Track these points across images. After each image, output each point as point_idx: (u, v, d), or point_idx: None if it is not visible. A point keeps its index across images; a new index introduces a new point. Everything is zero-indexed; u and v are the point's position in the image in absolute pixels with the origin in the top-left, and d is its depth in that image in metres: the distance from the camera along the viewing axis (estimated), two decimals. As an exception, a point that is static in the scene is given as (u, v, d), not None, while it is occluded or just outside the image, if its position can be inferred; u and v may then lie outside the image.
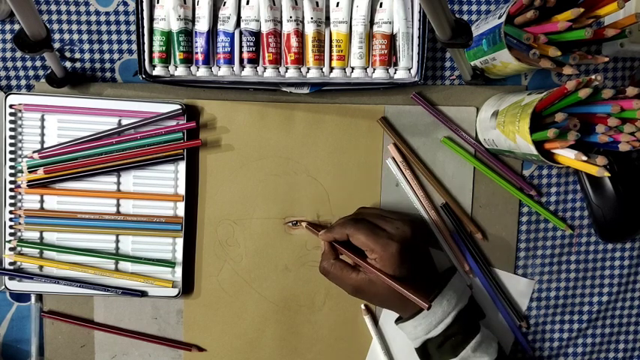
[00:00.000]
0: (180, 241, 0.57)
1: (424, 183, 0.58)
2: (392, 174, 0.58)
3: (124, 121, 0.56)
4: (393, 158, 0.58)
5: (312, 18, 0.53)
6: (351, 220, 0.51)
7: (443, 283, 0.51)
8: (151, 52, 0.53)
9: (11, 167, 0.55)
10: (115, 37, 0.57)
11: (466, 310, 0.51)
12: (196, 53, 0.53)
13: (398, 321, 0.53)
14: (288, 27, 0.53)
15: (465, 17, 0.57)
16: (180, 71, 0.54)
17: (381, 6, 0.53)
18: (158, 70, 0.53)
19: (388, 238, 0.49)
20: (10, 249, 0.56)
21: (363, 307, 0.58)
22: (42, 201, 0.56)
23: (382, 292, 0.49)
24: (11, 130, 0.55)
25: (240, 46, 0.53)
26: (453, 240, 0.58)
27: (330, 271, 0.51)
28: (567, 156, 0.45)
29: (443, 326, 0.50)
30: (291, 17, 0.52)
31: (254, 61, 0.54)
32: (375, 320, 0.58)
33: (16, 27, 0.56)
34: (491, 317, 0.59)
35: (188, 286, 0.58)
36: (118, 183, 0.57)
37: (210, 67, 0.54)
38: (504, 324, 0.59)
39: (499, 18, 0.47)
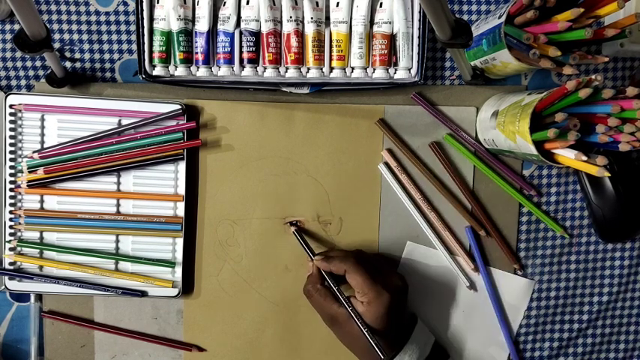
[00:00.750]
0: (180, 241, 0.57)
1: (424, 183, 0.58)
2: (387, 177, 0.58)
3: (124, 121, 0.56)
4: (386, 163, 0.57)
5: (312, 18, 0.53)
6: (352, 258, 0.51)
7: (405, 337, 0.51)
8: (151, 52, 0.53)
9: (11, 167, 0.55)
10: (115, 37, 0.57)
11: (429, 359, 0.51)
12: (196, 53, 0.53)
13: None
14: (288, 27, 0.53)
15: (465, 17, 0.57)
16: (180, 71, 0.54)
17: (381, 6, 0.53)
18: (158, 70, 0.53)
19: (383, 288, 0.49)
20: (10, 249, 0.56)
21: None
22: (42, 201, 0.56)
23: (356, 333, 0.49)
24: (11, 130, 0.55)
25: (240, 46, 0.53)
26: (455, 239, 0.58)
27: (314, 295, 0.52)
28: (567, 156, 0.45)
29: None
30: (291, 17, 0.52)
31: (254, 61, 0.54)
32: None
33: (16, 27, 0.56)
34: (492, 320, 0.59)
35: (188, 286, 0.58)
36: (118, 183, 0.57)
37: (210, 67, 0.54)
38: (501, 334, 0.59)
39: (499, 18, 0.47)
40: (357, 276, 0.49)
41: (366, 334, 0.48)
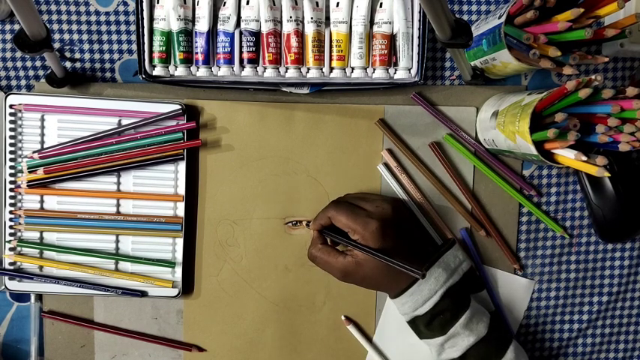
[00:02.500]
0: (180, 241, 0.57)
1: (425, 184, 0.58)
2: (387, 177, 0.58)
3: (124, 121, 0.56)
4: (386, 164, 0.57)
5: (312, 18, 0.53)
6: (332, 203, 0.52)
7: (433, 260, 0.51)
8: (151, 52, 0.53)
9: (11, 167, 0.55)
10: (115, 37, 0.57)
11: (457, 286, 0.51)
12: (196, 53, 0.53)
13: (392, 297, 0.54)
14: (288, 27, 0.53)
15: (465, 17, 0.57)
16: (180, 71, 0.54)
17: (381, 6, 0.53)
18: (158, 70, 0.53)
19: (367, 217, 0.49)
20: (10, 249, 0.56)
21: (343, 317, 0.58)
22: (42, 201, 0.56)
23: (370, 273, 0.50)
24: (11, 130, 0.55)
25: (240, 46, 0.53)
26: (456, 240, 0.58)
27: (317, 256, 0.52)
28: (567, 156, 0.45)
29: (430, 304, 0.50)
30: (291, 17, 0.52)
31: (254, 61, 0.54)
32: (361, 329, 0.59)
33: (16, 27, 0.56)
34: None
35: (188, 286, 0.58)
36: (118, 183, 0.57)
37: (210, 67, 0.54)
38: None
39: (499, 18, 0.47)
40: (340, 217, 0.50)
41: (386, 258, 0.47)
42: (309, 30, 0.53)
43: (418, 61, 0.53)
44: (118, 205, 0.57)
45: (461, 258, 0.54)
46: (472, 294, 0.53)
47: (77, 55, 0.57)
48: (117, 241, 0.57)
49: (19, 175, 0.55)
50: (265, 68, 0.54)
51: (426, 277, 0.50)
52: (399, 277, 0.50)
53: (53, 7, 0.56)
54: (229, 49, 0.53)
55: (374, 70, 0.54)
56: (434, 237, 0.58)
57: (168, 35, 0.53)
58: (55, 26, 0.56)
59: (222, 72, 0.54)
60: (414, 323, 0.52)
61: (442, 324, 0.50)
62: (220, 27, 0.53)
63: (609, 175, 0.43)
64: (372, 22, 0.54)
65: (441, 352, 0.52)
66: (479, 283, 0.56)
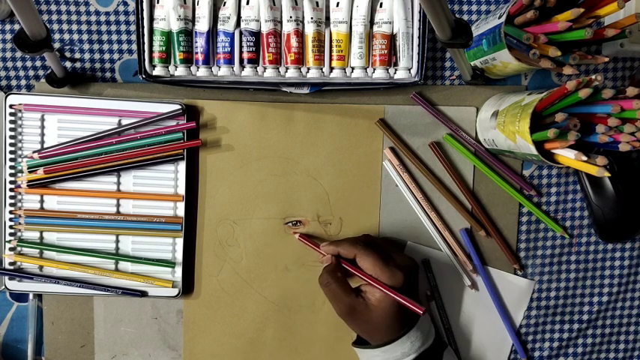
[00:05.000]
0: (180, 241, 0.57)
1: (425, 184, 0.58)
2: (392, 174, 0.58)
3: (124, 121, 0.56)
4: (390, 161, 0.58)
5: (312, 18, 0.53)
6: (361, 242, 0.51)
7: (412, 323, 0.50)
8: (151, 52, 0.53)
9: (11, 167, 0.55)
10: (115, 37, 0.57)
11: (428, 351, 0.50)
12: (196, 53, 0.53)
13: (356, 345, 0.53)
14: (288, 27, 0.53)
15: (465, 17, 0.57)
16: (180, 71, 0.54)
17: (381, 6, 0.53)
18: (158, 70, 0.53)
19: (395, 268, 0.49)
20: (10, 249, 0.56)
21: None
22: (42, 201, 0.56)
23: (375, 319, 0.49)
24: (11, 130, 0.55)
25: (240, 46, 0.53)
26: (455, 240, 0.58)
27: (332, 284, 0.50)
28: (567, 156, 0.45)
29: None
30: (291, 17, 0.52)
31: (254, 61, 0.54)
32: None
33: (16, 27, 0.56)
34: (493, 319, 0.59)
35: (188, 286, 0.58)
36: (118, 183, 0.57)
37: (210, 67, 0.54)
38: (503, 328, 0.59)
39: (499, 18, 0.47)
40: (369, 258, 0.49)
41: (399, 296, 0.48)
42: (309, 30, 0.53)
43: (418, 61, 0.53)
44: (118, 205, 0.57)
45: (429, 321, 0.54)
46: (444, 350, 0.53)
47: (77, 55, 0.57)
48: (117, 241, 0.57)
49: (19, 175, 0.55)
50: (265, 68, 0.54)
51: (403, 340, 0.49)
52: (390, 331, 0.49)
53: (53, 7, 0.56)
54: (229, 49, 0.53)
55: (374, 70, 0.54)
56: (434, 237, 0.58)
57: (168, 35, 0.53)
58: (55, 26, 0.56)
59: (222, 72, 0.54)
60: None
61: None
62: (220, 27, 0.53)
63: (609, 175, 0.43)
64: (372, 22, 0.54)
65: None
66: (443, 344, 0.54)
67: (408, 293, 0.49)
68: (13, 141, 0.55)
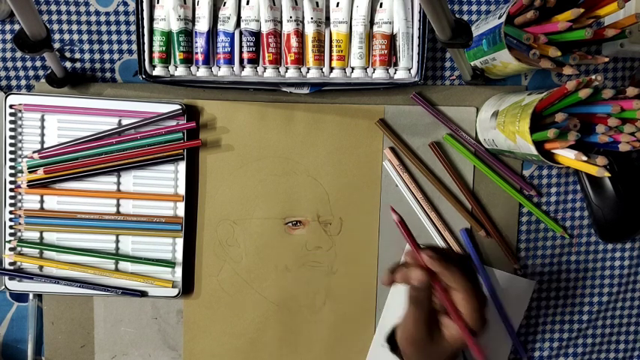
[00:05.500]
0: (180, 241, 0.57)
1: (425, 184, 0.58)
2: (392, 174, 0.58)
3: (124, 121, 0.56)
4: (390, 161, 0.58)
5: (312, 18, 0.53)
6: (466, 277, 0.41)
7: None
8: (151, 52, 0.53)
9: (11, 167, 0.55)
10: (115, 37, 0.57)
11: None
12: (196, 53, 0.53)
13: (392, 351, 0.47)
14: (288, 27, 0.53)
15: (465, 17, 0.57)
16: (180, 71, 0.54)
17: (381, 6, 0.53)
18: (158, 70, 0.53)
19: (486, 318, 0.41)
20: (10, 249, 0.56)
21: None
22: (42, 201, 0.56)
23: (437, 353, 0.42)
24: (11, 130, 0.55)
25: (240, 46, 0.53)
26: (455, 240, 0.58)
27: (425, 306, 0.41)
28: (567, 156, 0.45)
29: None
30: (291, 17, 0.52)
31: (254, 61, 0.54)
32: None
33: (16, 27, 0.56)
34: (493, 319, 0.59)
35: (188, 286, 0.58)
36: (118, 183, 0.57)
37: (210, 67, 0.54)
38: (503, 328, 0.59)
39: (499, 18, 0.47)
40: (471, 301, 0.40)
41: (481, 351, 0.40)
42: (309, 30, 0.53)
43: (418, 61, 0.53)
44: (118, 205, 0.57)
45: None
46: None
47: (77, 55, 0.57)
48: (117, 241, 0.57)
49: (19, 175, 0.55)
50: (265, 68, 0.54)
51: None
52: None
53: (53, 7, 0.56)
54: (229, 49, 0.53)
55: (374, 70, 0.54)
56: (434, 237, 0.58)
57: (168, 35, 0.53)
58: (55, 26, 0.56)
59: (222, 72, 0.54)
60: None
61: None
62: (220, 27, 0.53)
63: (609, 175, 0.43)
64: (372, 22, 0.54)
65: None
66: None
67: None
68: (13, 141, 0.55)
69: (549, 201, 0.59)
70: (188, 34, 0.53)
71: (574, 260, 0.60)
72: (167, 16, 0.52)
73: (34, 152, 0.55)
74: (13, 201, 0.56)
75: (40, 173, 0.55)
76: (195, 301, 0.58)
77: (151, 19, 0.53)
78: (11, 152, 0.55)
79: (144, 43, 0.52)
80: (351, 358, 0.59)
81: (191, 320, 0.59)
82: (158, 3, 0.52)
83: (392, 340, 0.47)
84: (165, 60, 0.53)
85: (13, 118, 0.55)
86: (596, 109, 0.45)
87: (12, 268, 0.56)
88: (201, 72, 0.54)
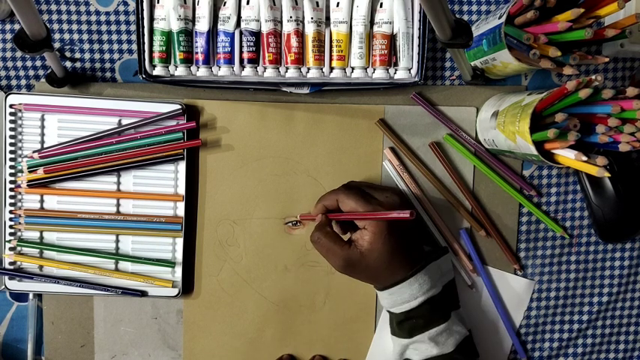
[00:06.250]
0: (180, 241, 0.57)
1: (425, 184, 0.58)
2: (392, 174, 0.58)
3: (124, 121, 0.56)
4: (390, 161, 0.58)
5: (312, 18, 0.53)
6: (341, 187, 0.52)
7: (421, 266, 0.50)
8: (151, 52, 0.53)
9: (11, 167, 0.55)
10: (115, 37, 0.57)
11: (438, 297, 0.51)
12: (196, 53, 0.53)
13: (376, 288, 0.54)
14: (288, 27, 0.53)
15: (465, 17, 0.57)
16: (180, 71, 0.54)
17: (381, 6, 0.53)
18: (158, 70, 0.53)
19: (378, 205, 0.49)
20: (10, 249, 0.56)
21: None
22: (42, 201, 0.56)
23: (372, 264, 0.49)
24: (11, 130, 0.55)
25: (241, 46, 0.53)
26: (455, 240, 0.58)
27: (322, 239, 0.50)
28: (567, 156, 0.45)
29: (406, 307, 0.50)
30: (291, 17, 0.52)
31: (254, 61, 0.54)
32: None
33: (16, 27, 0.56)
34: (492, 319, 0.59)
35: (188, 286, 0.58)
36: (118, 183, 0.57)
37: (210, 67, 0.54)
38: (503, 328, 0.59)
39: (499, 18, 0.47)
40: (350, 201, 0.49)
41: (383, 213, 0.47)
42: (310, 30, 0.53)
43: (418, 61, 0.53)
44: (118, 205, 0.57)
45: (448, 268, 0.54)
46: (452, 310, 0.53)
47: (77, 55, 0.57)
48: (117, 241, 0.57)
49: (19, 174, 0.55)
50: (265, 68, 0.54)
51: (411, 282, 0.49)
52: (394, 272, 0.50)
53: (53, 7, 0.56)
54: (229, 49, 0.53)
55: (374, 70, 0.54)
56: (436, 235, 0.58)
57: (168, 35, 0.53)
58: (55, 26, 0.56)
59: (222, 72, 0.54)
60: (389, 317, 0.53)
61: (411, 328, 0.51)
62: (220, 27, 0.53)
63: (609, 175, 0.43)
64: (372, 22, 0.54)
65: (403, 351, 0.53)
66: (456, 300, 0.55)
67: (403, 231, 0.49)
68: (13, 141, 0.55)
69: (549, 201, 0.59)
70: (188, 33, 0.53)
71: (574, 260, 0.60)
72: (167, 16, 0.52)
73: (34, 152, 0.55)
74: (13, 200, 0.56)
75: (40, 173, 0.55)
76: (195, 301, 0.59)
77: (151, 19, 0.53)
78: (11, 152, 0.55)
79: (144, 43, 0.52)
80: (351, 357, 0.59)
81: (191, 320, 0.59)
82: (158, 3, 0.52)
83: None
84: (166, 60, 0.53)
85: (13, 118, 0.55)
86: (596, 109, 0.45)
87: (12, 267, 0.56)
88: (201, 72, 0.54)
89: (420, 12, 0.53)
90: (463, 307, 0.57)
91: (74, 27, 0.56)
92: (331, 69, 0.54)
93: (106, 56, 0.57)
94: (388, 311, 0.53)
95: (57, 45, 0.56)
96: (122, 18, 0.56)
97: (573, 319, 0.61)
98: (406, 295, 0.50)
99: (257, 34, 0.53)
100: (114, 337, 0.59)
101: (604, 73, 0.58)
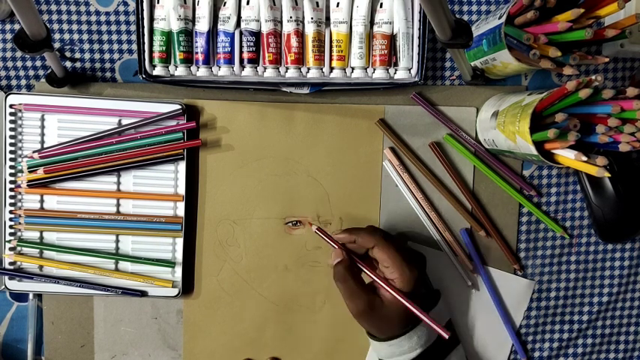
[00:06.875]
0: (180, 241, 0.57)
1: (425, 183, 0.58)
2: (392, 174, 0.58)
3: (124, 121, 0.56)
4: (390, 161, 0.58)
5: (312, 18, 0.53)
6: (380, 232, 0.50)
7: (418, 320, 0.49)
8: (151, 52, 0.53)
9: (11, 167, 0.55)
10: (115, 37, 0.57)
11: (434, 346, 0.50)
12: (196, 53, 0.53)
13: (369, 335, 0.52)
14: (288, 27, 0.53)
15: (465, 17, 0.57)
16: (180, 71, 0.54)
17: (381, 6, 0.53)
18: (158, 70, 0.53)
19: (411, 262, 0.48)
20: (10, 249, 0.56)
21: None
22: (42, 201, 0.56)
23: (390, 315, 0.48)
24: (11, 130, 0.55)
25: (241, 46, 0.53)
26: (455, 240, 0.58)
27: (349, 280, 0.48)
28: (567, 156, 0.45)
29: (404, 358, 0.49)
30: (291, 17, 0.52)
31: (254, 61, 0.54)
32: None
33: (16, 27, 0.56)
34: (492, 320, 0.59)
35: (188, 286, 0.58)
36: (118, 183, 0.57)
37: (210, 67, 0.54)
38: (503, 328, 0.59)
39: (499, 18, 0.47)
40: (388, 250, 0.47)
41: (419, 312, 0.47)
42: (310, 30, 0.53)
43: (418, 61, 0.53)
44: (118, 205, 0.57)
45: (444, 313, 0.54)
46: (453, 349, 0.53)
47: (77, 55, 0.57)
48: (117, 241, 0.57)
49: (19, 174, 0.55)
50: (265, 68, 0.54)
51: (411, 334, 0.49)
52: (401, 325, 0.49)
53: (53, 7, 0.56)
54: (229, 49, 0.53)
55: (374, 70, 0.54)
56: (435, 236, 0.58)
57: (168, 35, 0.53)
58: (55, 26, 0.56)
59: (222, 72, 0.54)
60: None
61: None
62: (220, 27, 0.53)
63: (609, 175, 0.43)
64: (372, 22, 0.54)
65: None
66: (455, 338, 0.55)
67: (419, 288, 0.49)
68: (13, 141, 0.55)
69: (549, 201, 0.59)
70: (188, 34, 0.53)
71: (574, 260, 0.60)
72: (167, 16, 0.52)
73: (34, 152, 0.55)
74: (13, 201, 0.56)
75: (40, 173, 0.55)
76: (195, 301, 0.59)
77: (151, 19, 0.53)
78: (11, 152, 0.55)
79: (144, 43, 0.52)
80: (351, 358, 0.59)
81: (191, 320, 0.59)
82: (158, 3, 0.52)
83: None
84: (166, 60, 0.53)
85: (13, 118, 0.55)
86: (596, 109, 0.45)
87: (12, 267, 0.56)
88: (201, 72, 0.54)
89: (420, 12, 0.53)
90: (463, 307, 0.58)
91: (74, 27, 0.56)
92: (331, 69, 0.54)
93: (106, 56, 0.57)
94: None
95: (57, 45, 0.56)
96: (122, 18, 0.56)
97: (573, 319, 0.61)
98: (405, 348, 0.49)
99: (257, 34, 0.53)
100: (114, 337, 0.59)
101: (604, 73, 0.58)
